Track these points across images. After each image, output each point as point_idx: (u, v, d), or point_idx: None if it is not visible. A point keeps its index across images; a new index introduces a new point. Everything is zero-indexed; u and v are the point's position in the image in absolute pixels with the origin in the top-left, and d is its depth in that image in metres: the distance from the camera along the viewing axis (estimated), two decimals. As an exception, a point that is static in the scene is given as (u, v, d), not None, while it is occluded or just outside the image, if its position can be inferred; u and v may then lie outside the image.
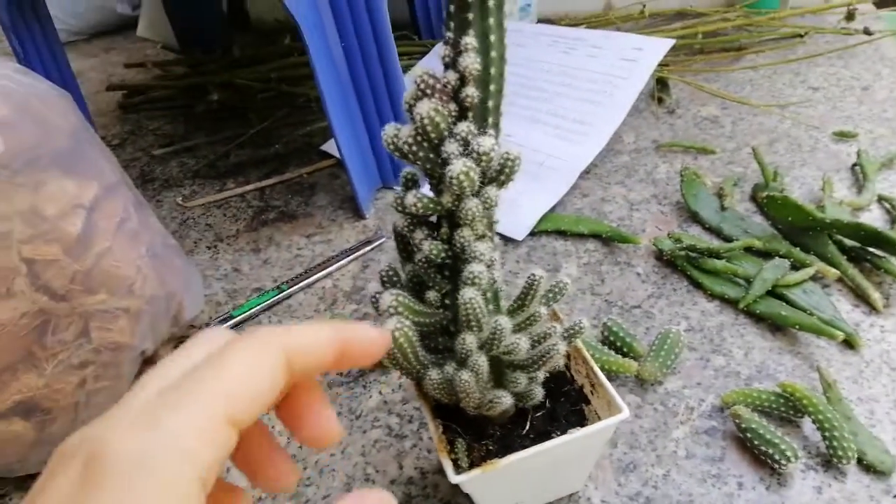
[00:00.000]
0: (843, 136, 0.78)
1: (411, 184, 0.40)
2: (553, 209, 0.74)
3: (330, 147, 0.90)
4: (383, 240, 0.75)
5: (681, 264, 0.64)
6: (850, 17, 0.97)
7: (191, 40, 1.13)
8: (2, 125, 0.46)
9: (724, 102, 0.87)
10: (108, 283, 0.51)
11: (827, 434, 0.48)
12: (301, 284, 0.69)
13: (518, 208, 0.73)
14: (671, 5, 1.05)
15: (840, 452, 0.47)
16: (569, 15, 1.11)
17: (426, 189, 0.39)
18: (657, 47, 0.83)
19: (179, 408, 0.20)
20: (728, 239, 0.67)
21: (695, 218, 0.70)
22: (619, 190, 0.76)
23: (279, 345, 0.23)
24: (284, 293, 0.69)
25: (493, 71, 0.35)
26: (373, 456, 0.53)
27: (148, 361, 0.58)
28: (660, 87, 0.89)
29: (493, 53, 0.35)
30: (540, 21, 1.10)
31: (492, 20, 0.34)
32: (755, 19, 0.96)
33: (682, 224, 0.70)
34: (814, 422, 0.49)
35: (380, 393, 0.58)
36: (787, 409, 0.51)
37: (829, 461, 0.48)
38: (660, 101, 0.88)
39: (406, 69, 0.83)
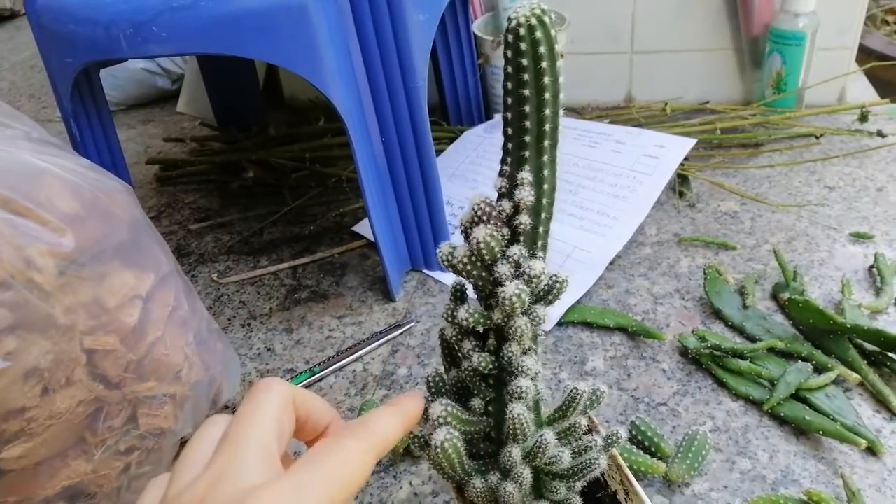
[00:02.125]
0: (859, 237, 0.81)
1: (460, 295, 0.42)
2: (579, 300, 0.76)
3: (361, 228, 0.93)
4: (412, 324, 0.77)
5: (706, 363, 0.66)
6: (863, 118, 1.01)
7: (228, 117, 1.18)
8: (73, 221, 0.50)
9: (744, 198, 0.90)
10: (159, 370, 0.54)
11: (854, 546, 0.49)
12: (332, 368, 0.71)
13: (545, 299, 0.75)
14: (690, 100, 1.10)
15: (867, 565, 0.48)
16: (591, 104, 1.16)
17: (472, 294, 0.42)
18: (679, 145, 0.86)
19: (310, 497, 0.27)
20: (751, 338, 0.69)
21: (717, 315, 0.72)
22: (643, 283, 0.78)
23: (376, 451, 0.31)
24: (316, 376, 0.71)
25: (544, 201, 0.38)
26: (403, 549, 0.54)
27: (185, 444, 0.60)
28: (680, 181, 0.92)
29: (546, 186, 0.38)
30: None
31: (546, 157, 0.37)
32: (771, 118, 1.00)
33: (704, 320, 0.73)
34: (841, 533, 0.50)
35: (410, 484, 0.59)
36: (814, 517, 0.52)
37: (856, 573, 0.49)
38: (681, 194, 0.91)
39: (437, 154, 0.87)
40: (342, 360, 0.72)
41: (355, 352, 0.73)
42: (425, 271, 0.85)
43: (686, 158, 0.90)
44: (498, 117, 1.04)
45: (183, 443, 0.60)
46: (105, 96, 0.81)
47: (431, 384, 0.43)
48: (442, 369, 0.45)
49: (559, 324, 0.74)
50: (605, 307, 0.75)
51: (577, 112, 1.14)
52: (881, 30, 1.43)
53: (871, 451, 0.57)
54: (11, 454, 0.46)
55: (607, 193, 0.85)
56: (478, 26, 1.07)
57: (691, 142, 0.86)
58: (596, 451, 0.40)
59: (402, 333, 0.76)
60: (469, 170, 0.96)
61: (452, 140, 1.04)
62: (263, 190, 1.05)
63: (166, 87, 1.37)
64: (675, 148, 0.86)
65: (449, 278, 0.83)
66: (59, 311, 0.47)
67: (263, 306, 0.82)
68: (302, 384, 0.69)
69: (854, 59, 1.08)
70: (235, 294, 0.85)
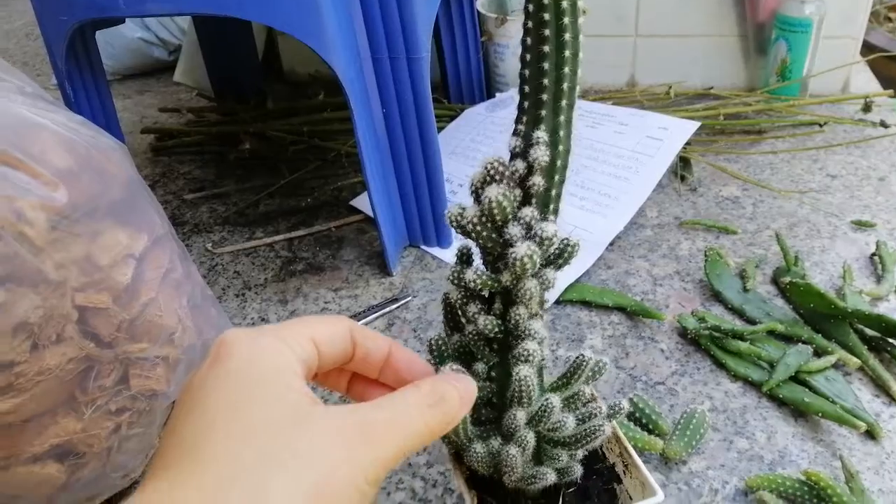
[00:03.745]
0: (861, 225, 0.80)
1: (466, 258, 0.41)
2: (578, 279, 0.75)
3: (358, 202, 0.92)
4: (409, 299, 0.76)
5: (705, 344, 0.65)
6: (867, 108, 1.00)
7: (226, 89, 1.16)
8: (66, 176, 0.48)
9: (745, 184, 0.89)
10: (151, 332, 0.52)
11: (851, 526, 0.49)
12: (328, 339, 0.70)
13: (544, 277, 0.74)
14: (693, 85, 1.09)
15: (864, 546, 0.48)
16: (593, 87, 1.15)
17: (479, 262, 0.41)
18: (683, 128, 0.86)
19: (278, 328, 0.30)
20: (751, 321, 0.68)
21: (717, 297, 0.72)
22: (643, 264, 0.78)
23: (347, 322, 0.34)
24: (311, 347, 0.69)
25: (558, 163, 0.37)
26: (396, 520, 0.53)
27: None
28: (682, 164, 0.92)
29: (561, 147, 0.37)
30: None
31: (562, 117, 0.36)
32: (775, 105, 0.99)
33: (704, 302, 0.72)
34: (838, 513, 0.50)
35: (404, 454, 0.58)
36: (811, 497, 0.52)
37: (852, 554, 0.49)
38: (682, 178, 0.90)
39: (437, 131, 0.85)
40: (337, 332, 0.71)
41: (351, 324, 0.72)
42: (423, 247, 0.84)
43: (688, 143, 0.90)
44: (500, 96, 1.03)
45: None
46: (101, 59, 0.79)
47: (434, 348, 0.42)
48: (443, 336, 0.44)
49: (557, 302, 0.73)
50: (604, 287, 0.75)
51: (579, 96, 1.13)
52: (884, 26, 1.43)
53: (870, 434, 0.57)
54: (-1, 410, 0.45)
55: (609, 174, 0.84)
56: (482, 3, 1.05)
57: (695, 125, 0.85)
58: (600, 418, 0.39)
59: (398, 307, 0.75)
60: (469, 147, 0.94)
61: (453, 118, 1.02)
62: (260, 162, 1.03)
63: (163, 57, 1.35)
64: (678, 131, 0.85)
65: (448, 255, 0.82)
66: (50, 267, 0.46)
67: (258, 277, 0.81)
68: (296, 355, 0.68)
69: (859, 50, 1.07)
70: (230, 264, 0.84)
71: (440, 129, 0.99)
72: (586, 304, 0.73)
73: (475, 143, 0.95)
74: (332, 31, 0.64)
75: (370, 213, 0.88)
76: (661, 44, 1.10)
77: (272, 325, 0.30)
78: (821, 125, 0.96)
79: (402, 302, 0.75)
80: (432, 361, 0.43)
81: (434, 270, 0.80)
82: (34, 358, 0.46)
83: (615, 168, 0.84)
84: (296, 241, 0.87)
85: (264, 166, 1.02)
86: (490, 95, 1.09)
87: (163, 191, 0.99)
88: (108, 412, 0.51)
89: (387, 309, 0.74)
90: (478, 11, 1.04)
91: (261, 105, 1.12)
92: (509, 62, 1.05)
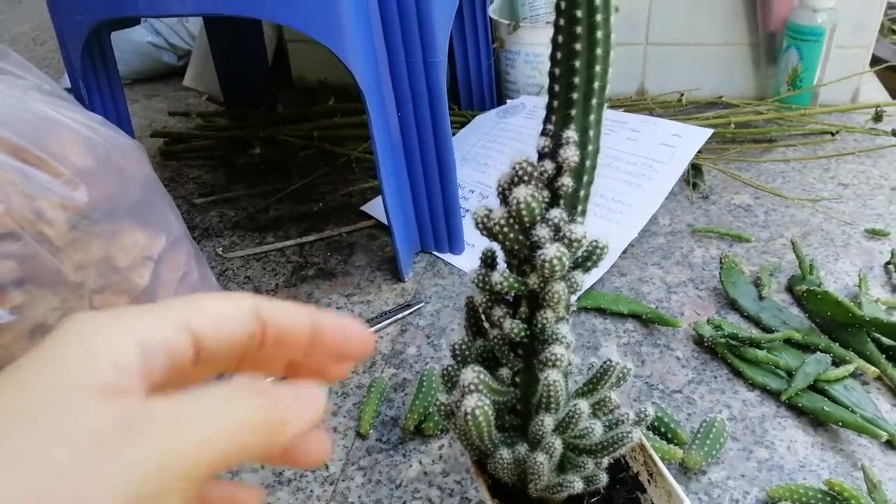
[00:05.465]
0: (875, 233, 0.80)
1: (490, 261, 0.41)
2: (592, 287, 0.75)
3: (369, 208, 0.92)
4: (422, 304, 0.75)
5: (721, 352, 0.65)
6: (877, 118, 1.00)
7: (236, 94, 1.16)
8: (86, 176, 0.48)
9: (757, 192, 0.89)
10: (168, 334, 0.52)
11: (875, 537, 0.48)
12: (341, 344, 0.70)
13: (558, 283, 0.74)
14: (703, 95, 1.09)
15: (888, 557, 0.47)
16: (603, 95, 1.15)
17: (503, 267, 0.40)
18: (696, 135, 0.85)
19: (148, 308, 0.23)
20: (767, 329, 0.68)
21: (733, 305, 0.71)
22: (657, 271, 0.77)
23: (252, 302, 0.25)
24: (324, 352, 0.69)
25: (587, 164, 0.37)
26: (413, 527, 0.52)
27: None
28: (694, 172, 0.92)
29: (590, 147, 0.36)
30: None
31: (592, 117, 0.36)
32: (786, 114, 0.99)
33: (719, 310, 0.72)
34: (861, 523, 0.49)
35: (420, 463, 0.58)
36: (834, 508, 0.51)
37: (876, 565, 0.48)
38: (694, 186, 0.90)
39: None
40: (350, 337, 0.71)
41: (363, 330, 0.72)
42: (435, 253, 0.83)
43: (699, 151, 0.89)
44: (511, 102, 1.03)
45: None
46: (115, 60, 0.79)
47: (457, 352, 0.41)
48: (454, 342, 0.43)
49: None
50: (618, 294, 0.74)
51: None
52: (888, 38, 1.43)
53: (890, 444, 0.57)
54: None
55: (622, 181, 0.84)
56: (494, 9, 1.05)
57: (708, 132, 0.85)
58: (628, 424, 0.39)
59: (411, 313, 0.75)
60: (480, 153, 0.94)
61: (464, 125, 1.02)
62: (270, 167, 1.03)
63: (172, 62, 1.35)
64: (691, 137, 0.85)
65: (460, 261, 0.82)
66: (69, 268, 0.46)
67: (269, 282, 0.81)
68: (309, 360, 0.68)
69: (869, 60, 1.08)
70: (241, 269, 0.83)
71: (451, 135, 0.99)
72: (601, 312, 0.72)
73: (486, 149, 0.95)
74: (351, 33, 0.64)
75: (381, 219, 0.88)
76: (672, 52, 1.11)
77: (149, 305, 0.23)
78: (833, 133, 0.96)
79: (415, 308, 0.75)
80: (455, 367, 0.42)
81: (446, 277, 0.80)
82: (52, 360, 0.45)
83: (628, 175, 0.84)
84: (307, 246, 0.87)
85: (274, 171, 1.02)
86: (501, 102, 1.09)
87: (172, 195, 0.98)
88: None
89: (399, 315, 0.74)
90: (490, 18, 1.04)
91: (271, 110, 1.12)
92: (520, 69, 1.05)
